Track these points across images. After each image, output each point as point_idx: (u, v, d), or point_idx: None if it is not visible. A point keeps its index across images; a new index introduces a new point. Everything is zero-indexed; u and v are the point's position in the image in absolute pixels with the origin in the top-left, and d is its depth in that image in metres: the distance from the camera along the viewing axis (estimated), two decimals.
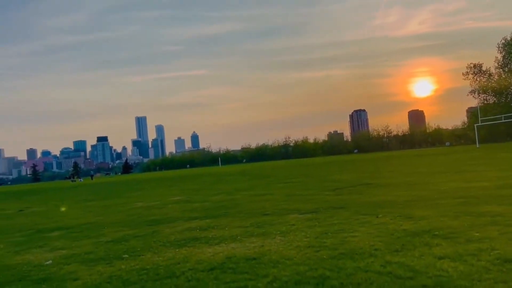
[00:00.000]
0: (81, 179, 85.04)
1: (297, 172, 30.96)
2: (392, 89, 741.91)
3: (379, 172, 23.52)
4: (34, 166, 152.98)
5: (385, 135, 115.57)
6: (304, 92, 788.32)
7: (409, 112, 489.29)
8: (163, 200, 17.15)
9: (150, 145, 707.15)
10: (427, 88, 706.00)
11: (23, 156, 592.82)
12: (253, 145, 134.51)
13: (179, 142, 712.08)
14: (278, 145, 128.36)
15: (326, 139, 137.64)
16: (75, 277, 5.97)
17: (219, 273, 5.40)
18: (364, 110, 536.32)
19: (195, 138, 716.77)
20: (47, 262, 7.13)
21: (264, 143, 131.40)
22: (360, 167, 32.02)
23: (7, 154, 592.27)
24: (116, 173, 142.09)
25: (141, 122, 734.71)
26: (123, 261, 6.75)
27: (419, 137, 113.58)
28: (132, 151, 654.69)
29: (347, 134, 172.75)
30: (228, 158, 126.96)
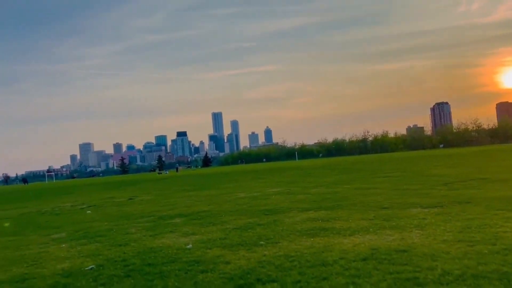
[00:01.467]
0: (167, 172, 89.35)
1: (388, 167, 29.95)
2: (478, 80, 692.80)
3: (487, 166, 22.03)
4: (122, 159, 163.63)
5: (474, 129, 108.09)
6: (382, 85, 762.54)
7: (497, 104, 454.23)
8: (263, 191, 17.43)
9: (225, 140, 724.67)
10: None
11: (110, 150, 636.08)
12: (330, 139, 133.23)
13: (253, 136, 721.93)
14: (356, 139, 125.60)
15: (405, 133, 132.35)
16: (225, 261, 6.20)
17: (376, 264, 5.32)
18: (446, 103, 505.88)
19: (268, 133, 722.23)
20: (188, 246, 7.50)
21: (340, 138, 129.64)
22: (458, 162, 30.25)
23: (96, 148, 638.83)
24: (196, 166, 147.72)
25: (217, 118, 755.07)
26: (262, 247, 6.91)
27: None
28: (209, 145, 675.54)
29: (428, 128, 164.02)
30: (304, 152, 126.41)
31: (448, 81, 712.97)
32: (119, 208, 15.59)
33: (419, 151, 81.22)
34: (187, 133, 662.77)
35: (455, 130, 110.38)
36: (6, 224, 14.17)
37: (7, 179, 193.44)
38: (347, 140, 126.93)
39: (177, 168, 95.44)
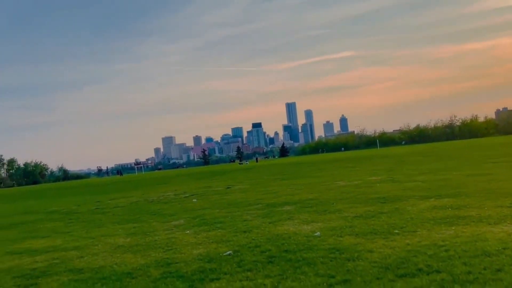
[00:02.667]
0: (247, 162, 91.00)
1: (491, 153, 27.75)
2: None
3: None
4: (203, 151, 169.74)
5: None
6: (464, 66, 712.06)
7: None
8: (363, 179, 16.93)
9: (300, 130, 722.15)
10: None
11: (190, 143, 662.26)
12: (410, 126, 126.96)
13: (328, 126, 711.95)
14: (442, 125, 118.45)
15: (494, 117, 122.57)
16: (366, 249, 5.97)
17: None
18: None
19: (344, 121, 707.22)
20: (316, 234, 7.36)
21: (423, 124, 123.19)
22: None
23: (178, 141, 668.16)
24: (274, 157, 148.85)
25: (291, 108, 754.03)
26: (399, 236, 6.59)
27: None
28: (283, 136, 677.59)
29: None
30: (385, 140, 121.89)
31: None
32: (222, 197, 15.96)
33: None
34: (262, 124, 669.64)
35: None
36: (194, 200, 15.28)
37: (100, 171, 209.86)
38: (432, 126, 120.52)
39: (256, 159, 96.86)
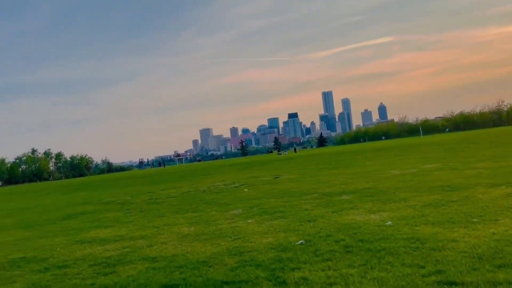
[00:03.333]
0: (286, 152, 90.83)
1: None
2: None
3: None
4: (241, 142, 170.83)
5: None
6: (509, 49, 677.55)
7: None
8: (418, 168, 16.45)
9: (337, 119, 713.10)
10: None
11: (227, 134, 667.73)
12: (456, 112, 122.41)
13: (366, 114, 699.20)
14: (489, 110, 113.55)
15: None
16: (449, 239, 5.75)
17: None
18: None
19: (382, 109, 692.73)
20: (388, 223, 7.17)
21: (464, 110, 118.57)
22: None
23: (215, 133, 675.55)
24: (311, 147, 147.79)
25: (327, 97, 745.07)
26: (480, 225, 6.31)
27: None
28: (320, 125, 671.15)
29: None
30: (427, 128, 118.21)
31: None
32: (273, 186, 15.92)
33: None
34: (298, 114, 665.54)
35: None
36: (245, 190, 15.31)
37: (141, 163, 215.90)
38: (478, 112, 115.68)
39: (295, 149, 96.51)
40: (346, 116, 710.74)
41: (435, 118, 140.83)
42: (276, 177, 19.97)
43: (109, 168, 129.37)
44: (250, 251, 6.42)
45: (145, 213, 12.71)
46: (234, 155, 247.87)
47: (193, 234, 8.38)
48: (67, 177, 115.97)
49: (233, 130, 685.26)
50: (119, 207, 15.19)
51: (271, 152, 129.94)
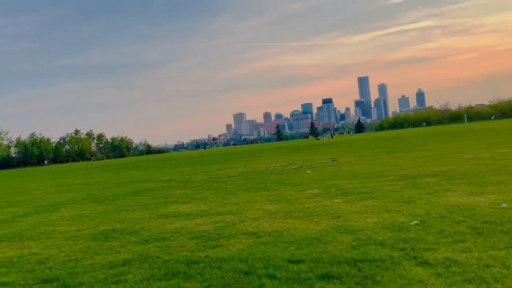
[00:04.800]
0: (324, 137, 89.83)
1: None
2: None
3: None
4: (277, 127, 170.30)
5: None
6: None
7: None
8: (491, 152, 15.61)
9: (372, 105, 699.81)
10: None
11: (260, 119, 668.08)
12: (502, 98, 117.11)
13: (403, 100, 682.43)
14: None
15: None
16: None
17: None
18: None
19: (420, 96, 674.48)
20: (503, 205, 6.68)
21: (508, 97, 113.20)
22: None
23: (248, 117, 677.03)
24: (348, 132, 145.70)
25: (363, 82, 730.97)
26: None
27: None
28: (355, 111, 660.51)
29: None
30: (471, 115, 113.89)
31: None
32: (337, 168, 15.51)
33: None
34: (333, 99, 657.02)
35: None
36: (308, 171, 15.27)
37: (178, 146, 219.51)
38: None
39: (331, 134, 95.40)
40: (382, 102, 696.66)
41: (475, 105, 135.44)
42: (334, 160, 19.51)
43: (148, 150, 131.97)
44: (360, 230, 6.10)
45: (215, 190, 12.60)
46: (267, 140, 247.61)
47: (281, 212, 8.14)
48: (108, 157, 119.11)
49: (266, 115, 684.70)
50: (183, 185, 15.19)
51: (307, 137, 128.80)
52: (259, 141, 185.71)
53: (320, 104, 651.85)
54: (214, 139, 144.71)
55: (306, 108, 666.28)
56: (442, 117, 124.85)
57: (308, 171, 15.60)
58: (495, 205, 6.79)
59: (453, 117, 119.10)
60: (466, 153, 16.39)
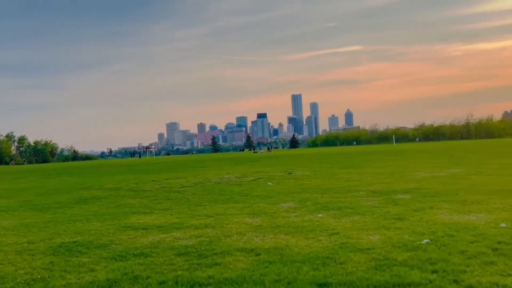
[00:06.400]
0: (262, 151, 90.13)
1: None
2: None
3: None
4: (213, 138, 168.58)
5: None
6: (474, 66, 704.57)
7: None
8: (444, 171, 16.05)
9: (304, 122, 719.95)
10: None
11: (194, 130, 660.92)
12: (410, 125, 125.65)
13: (333, 119, 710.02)
14: (458, 124, 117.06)
15: (500, 119, 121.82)
16: None
17: None
18: None
19: (349, 116, 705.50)
20: (502, 225, 6.55)
21: (427, 122, 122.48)
22: None
23: (182, 127, 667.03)
24: (283, 147, 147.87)
25: (296, 100, 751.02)
26: None
27: None
28: (288, 127, 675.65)
29: None
30: (398, 136, 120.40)
31: None
32: (298, 182, 15.15)
33: None
34: (267, 114, 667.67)
35: None
36: (269, 183, 14.72)
37: (103, 153, 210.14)
38: (448, 124, 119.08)
39: (268, 148, 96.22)
40: (313, 119, 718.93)
41: (398, 127, 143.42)
42: (289, 173, 19.19)
43: (75, 156, 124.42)
44: (370, 249, 5.63)
45: (175, 201, 11.65)
46: (201, 151, 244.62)
47: (267, 226, 7.49)
48: (30, 162, 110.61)
49: (201, 126, 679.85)
50: (134, 194, 14.01)
51: (243, 150, 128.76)
52: (193, 152, 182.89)
53: (254, 118, 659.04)
54: (147, 147, 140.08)
55: (241, 122, 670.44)
56: (371, 137, 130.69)
57: (269, 183, 15.07)
58: (494, 224, 6.65)
59: (381, 137, 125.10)
60: (420, 171, 16.76)
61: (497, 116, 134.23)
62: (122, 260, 5.75)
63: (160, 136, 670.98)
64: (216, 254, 5.83)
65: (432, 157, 27.67)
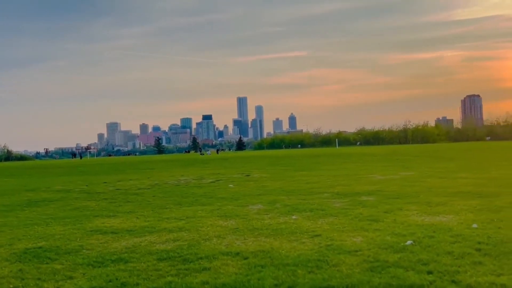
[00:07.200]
0: (209, 153, 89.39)
1: (492, 156, 28.57)
2: (510, 74, 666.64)
3: None
4: (158, 140, 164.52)
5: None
6: (410, 75, 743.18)
7: None
8: (398, 174, 16.65)
9: (249, 125, 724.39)
10: None
11: (136, 131, 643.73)
12: (351, 129, 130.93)
13: (277, 123, 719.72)
14: (397, 129, 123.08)
15: (433, 125, 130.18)
16: None
17: None
18: (478, 96, 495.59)
19: (292, 120, 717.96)
20: (474, 226, 6.83)
21: (367, 127, 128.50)
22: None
23: (123, 128, 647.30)
24: (229, 149, 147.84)
25: (242, 102, 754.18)
26: None
27: None
28: (233, 130, 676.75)
29: (457, 121, 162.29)
30: (340, 140, 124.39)
31: (479, 73, 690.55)
32: (258, 184, 15.08)
33: (472, 143, 78.54)
34: (212, 116, 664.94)
35: (506, 123, 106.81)
36: (231, 185, 14.56)
37: (39, 154, 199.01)
38: (387, 129, 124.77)
39: (217, 150, 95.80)
40: (258, 122, 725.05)
41: (339, 131, 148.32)
42: (247, 175, 19.09)
43: (8, 156, 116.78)
44: (358, 251, 5.65)
45: (136, 203, 11.18)
46: (144, 152, 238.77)
47: (244, 229, 7.34)
48: None
49: (143, 127, 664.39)
50: (88, 196, 13.31)
51: (189, 152, 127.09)
52: (136, 153, 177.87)
53: (200, 119, 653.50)
54: (86, 148, 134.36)
55: (186, 123, 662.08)
56: (314, 140, 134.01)
57: (230, 185, 14.89)
58: (466, 225, 6.91)
59: (324, 140, 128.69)
60: (374, 174, 17.28)
61: (431, 122, 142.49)
62: (100, 266, 5.37)
63: (100, 136, 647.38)
64: (201, 258, 5.59)
65: (379, 160, 28.71)
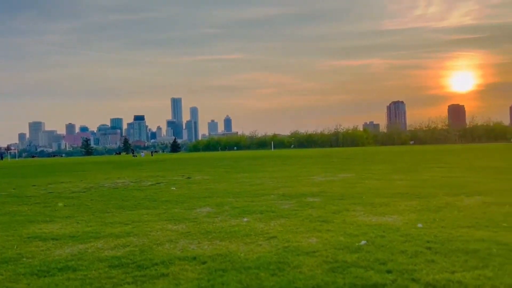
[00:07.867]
0: (143, 154, 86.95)
1: (419, 158, 30.32)
2: (432, 82, 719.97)
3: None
4: (86, 140, 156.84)
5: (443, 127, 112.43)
6: (340, 81, 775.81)
7: (449, 106, 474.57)
8: (336, 176, 17.12)
9: (184, 127, 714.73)
10: (468, 83, 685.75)
11: (62, 131, 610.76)
12: (287, 132, 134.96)
13: (213, 125, 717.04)
14: (328, 132, 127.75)
15: (361, 129, 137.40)
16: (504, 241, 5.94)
17: None
18: (402, 102, 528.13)
19: (228, 122, 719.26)
20: (419, 225, 7.15)
21: (300, 130, 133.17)
22: (477, 155, 30.95)
23: (47, 127, 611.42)
24: (163, 151, 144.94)
25: (176, 103, 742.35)
26: (506, 228, 6.70)
27: (480, 131, 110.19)
28: (167, 131, 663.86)
29: (383, 125, 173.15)
30: (275, 142, 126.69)
31: (404, 81, 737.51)
32: (202, 186, 14.82)
33: (398, 147, 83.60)
34: (145, 117, 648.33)
35: (428, 128, 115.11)
36: (173, 188, 14.18)
37: None
38: (319, 133, 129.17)
39: (152, 152, 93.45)
40: (193, 124, 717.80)
41: (273, 134, 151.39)
42: (188, 178, 18.72)
43: None
44: (315, 251, 5.69)
45: (74, 207, 10.53)
46: (71, 154, 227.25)
47: (196, 232, 7.15)
48: None
49: (70, 127, 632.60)
50: (18, 200, 12.36)
51: (119, 153, 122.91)
52: (62, 155, 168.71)
53: (131, 120, 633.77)
54: (6, 148, 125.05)
55: (116, 123, 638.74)
56: (250, 142, 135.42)
57: (173, 188, 14.49)
58: (411, 225, 7.22)
59: (260, 143, 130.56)
60: (314, 176, 17.67)
61: (360, 126, 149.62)
62: (46, 276, 4.95)
63: (21, 136, 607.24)
64: (156, 264, 5.34)
65: (316, 162, 29.49)
